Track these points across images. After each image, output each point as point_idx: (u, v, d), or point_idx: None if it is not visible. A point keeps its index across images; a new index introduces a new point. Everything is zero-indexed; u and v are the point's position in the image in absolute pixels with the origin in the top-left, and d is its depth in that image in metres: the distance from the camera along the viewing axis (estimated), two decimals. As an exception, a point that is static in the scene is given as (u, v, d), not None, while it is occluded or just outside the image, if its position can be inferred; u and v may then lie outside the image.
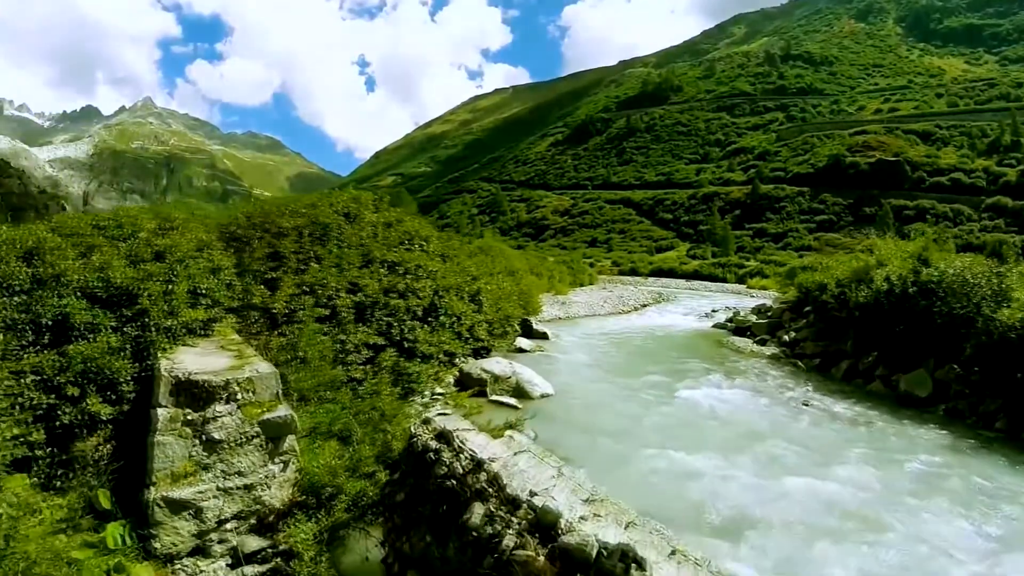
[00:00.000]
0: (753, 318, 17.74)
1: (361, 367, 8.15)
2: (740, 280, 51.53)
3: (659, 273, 60.26)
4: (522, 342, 15.21)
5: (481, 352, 13.53)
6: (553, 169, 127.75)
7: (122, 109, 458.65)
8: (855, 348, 12.61)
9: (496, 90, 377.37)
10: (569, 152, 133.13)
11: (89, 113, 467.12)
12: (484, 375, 10.62)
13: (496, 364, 11.07)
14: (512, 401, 9.86)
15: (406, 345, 9.45)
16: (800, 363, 13.44)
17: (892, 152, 78.60)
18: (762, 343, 15.76)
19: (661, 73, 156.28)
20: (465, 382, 10.74)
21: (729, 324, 18.92)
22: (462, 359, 11.79)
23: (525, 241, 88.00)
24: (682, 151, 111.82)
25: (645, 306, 28.31)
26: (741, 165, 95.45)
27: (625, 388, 11.08)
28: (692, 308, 27.48)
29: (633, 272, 61.11)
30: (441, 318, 10.82)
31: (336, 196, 11.39)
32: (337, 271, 8.79)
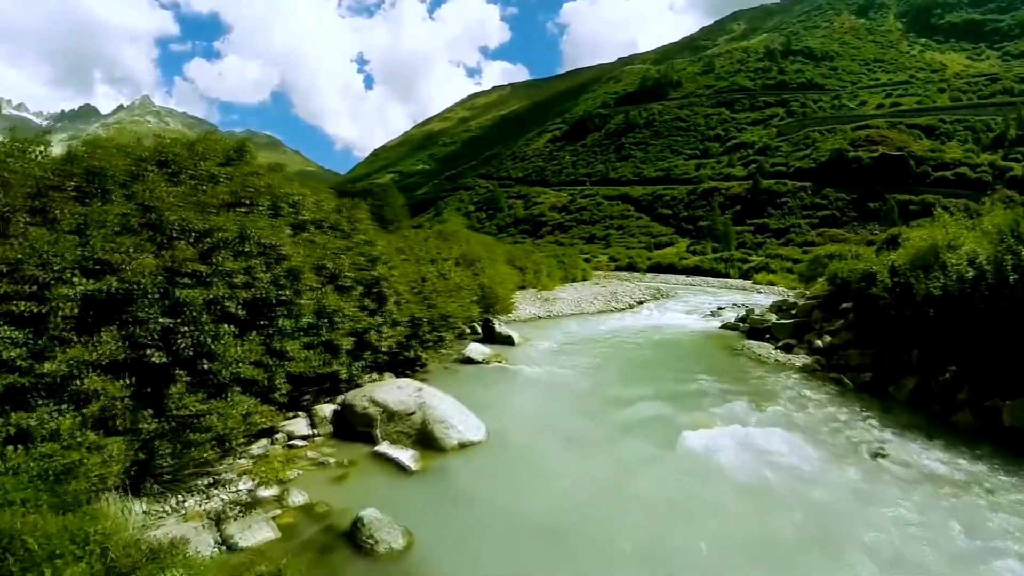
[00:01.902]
0: (773, 318, 14.51)
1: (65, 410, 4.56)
2: (744, 276, 48.48)
3: (658, 269, 57.18)
4: (475, 350, 12.04)
5: (404, 368, 10.36)
6: (551, 166, 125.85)
7: (120, 108, 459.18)
8: (923, 360, 9.42)
9: (494, 87, 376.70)
10: (567, 148, 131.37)
11: (87, 112, 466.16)
12: (373, 410, 7.34)
13: (396, 391, 7.79)
14: (406, 458, 6.56)
15: (204, 366, 5.69)
16: (844, 379, 10.22)
17: (895, 146, 76.25)
18: (787, 349, 12.57)
19: (660, 69, 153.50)
20: (349, 421, 7.49)
21: (742, 325, 15.72)
22: (357, 378, 8.51)
23: (522, 238, 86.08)
24: (681, 147, 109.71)
25: (641, 303, 25.08)
26: (741, 160, 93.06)
27: (601, 429, 7.79)
28: (695, 305, 24.27)
29: (631, 268, 58.08)
30: (281, 321, 6.72)
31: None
32: (76, 241, 5.10)
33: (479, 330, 14.89)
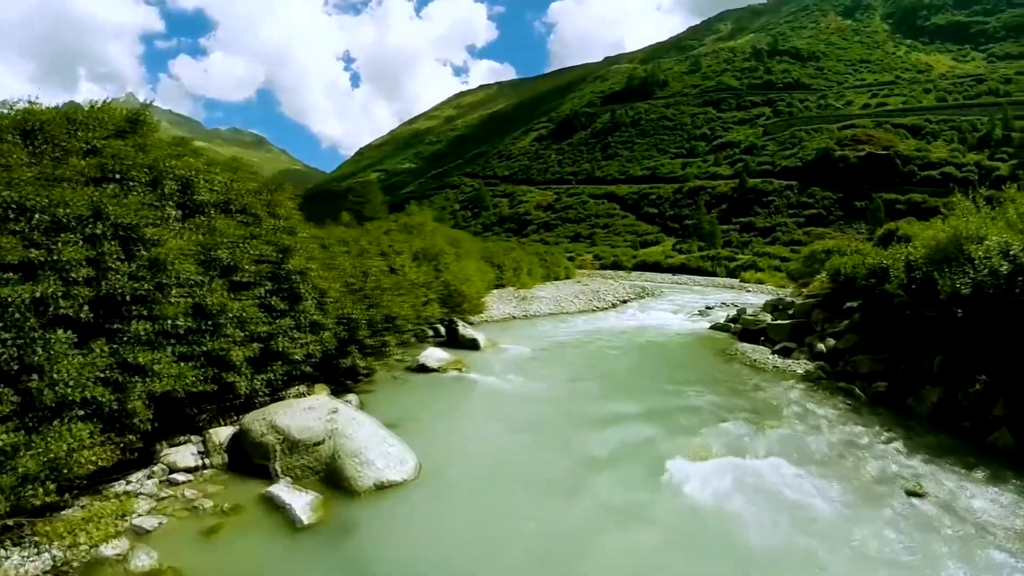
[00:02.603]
0: (767, 318, 13.09)
1: None
2: (731, 274, 47.42)
3: (643, 267, 56.00)
4: (431, 356, 10.50)
5: (346, 378, 8.84)
6: (537, 164, 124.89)
7: None
8: (947, 368, 8.02)
9: (481, 86, 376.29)
10: (553, 147, 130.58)
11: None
12: (271, 437, 5.80)
13: (302, 414, 6.21)
14: (300, 505, 4.90)
15: (33, 383, 4.26)
16: (855, 389, 8.81)
17: (882, 146, 76.28)
18: (785, 354, 11.16)
19: (647, 68, 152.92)
20: (246, 453, 5.93)
21: (733, 326, 14.31)
22: (259, 394, 7.00)
23: (507, 237, 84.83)
24: (667, 145, 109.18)
25: (625, 302, 23.66)
26: (728, 159, 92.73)
27: (568, 461, 6.22)
28: (681, 304, 22.90)
29: (616, 266, 56.83)
30: (136, 324, 5.13)
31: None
32: None
33: (443, 332, 13.36)
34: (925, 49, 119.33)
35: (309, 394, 9.05)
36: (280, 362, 7.24)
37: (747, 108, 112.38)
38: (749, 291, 32.98)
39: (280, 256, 7.37)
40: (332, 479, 5.52)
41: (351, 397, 8.69)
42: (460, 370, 10.27)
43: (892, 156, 72.66)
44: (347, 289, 9.13)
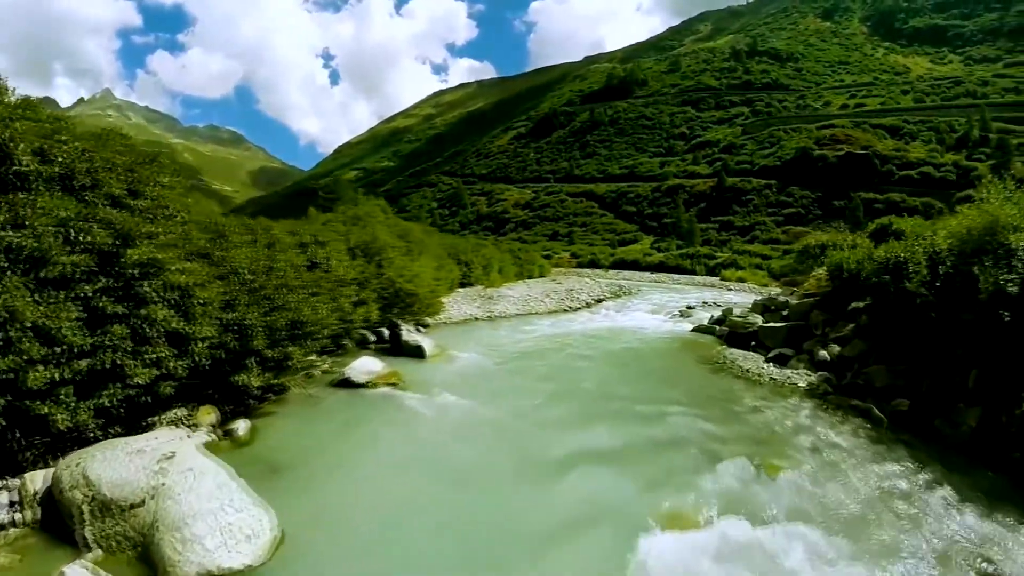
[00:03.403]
0: (758, 320, 11.45)
1: None
2: (711, 272, 46.23)
3: (621, 265, 54.65)
4: (359, 369, 8.68)
5: (246, 399, 7.03)
6: (515, 162, 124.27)
7: (80, 101, 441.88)
8: (986, 383, 6.44)
9: (461, 85, 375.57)
10: (532, 145, 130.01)
11: (46, 105, 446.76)
12: (79, 494, 3.98)
13: (126, 461, 4.40)
14: None
15: None
16: (873, 408, 7.18)
17: (860, 146, 76.59)
18: (781, 362, 9.53)
19: (626, 68, 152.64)
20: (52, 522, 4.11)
21: (719, 328, 12.68)
22: (86, 426, 5.22)
23: (485, 235, 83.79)
24: (646, 144, 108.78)
25: (600, 301, 21.98)
26: (706, 158, 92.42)
27: (502, 531, 4.43)
28: (661, 304, 21.29)
29: (593, 264, 55.44)
30: None
31: None
32: None
33: (387, 336, 11.50)
34: (903, 51, 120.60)
35: (190, 419, 7.20)
36: (117, 386, 5.34)
37: (726, 108, 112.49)
38: (731, 289, 31.58)
39: (117, 244, 5.45)
40: (149, 560, 3.70)
41: (239, 424, 6.82)
42: (394, 385, 8.44)
43: (871, 156, 72.99)
44: (243, 288, 7.24)
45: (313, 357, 10.05)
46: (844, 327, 9.32)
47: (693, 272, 48.02)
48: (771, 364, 9.42)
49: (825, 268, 10.91)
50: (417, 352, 10.18)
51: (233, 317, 6.97)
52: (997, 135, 67.93)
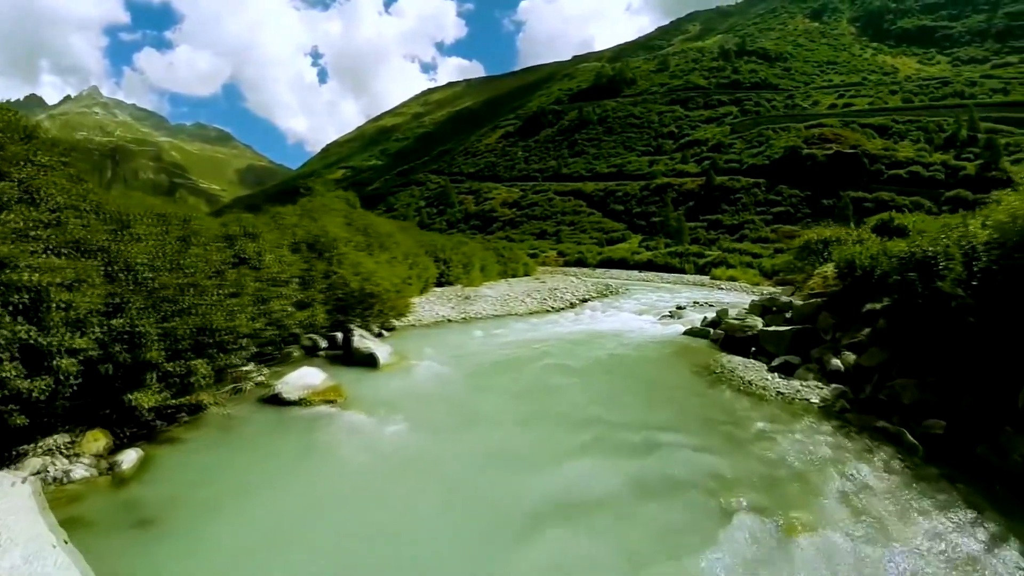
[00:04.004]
0: (757, 322, 10.20)
1: None
2: (701, 271, 45.17)
3: (609, 264, 53.50)
4: (294, 383, 7.34)
5: (151, 422, 5.70)
6: (503, 161, 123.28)
7: (67, 99, 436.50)
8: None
9: (449, 83, 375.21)
10: (520, 144, 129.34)
11: (33, 103, 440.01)
12: None
13: None
14: None
15: None
16: (904, 432, 5.94)
17: (849, 145, 76.36)
18: (787, 371, 8.30)
19: (615, 66, 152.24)
20: None
21: (713, 331, 11.42)
22: None
23: (473, 233, 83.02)
24: (635, 143, 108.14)
25: (585, 301, 20.69)
26: (695, 157, 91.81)
27: None
28: (649, 304, 20.06)
29: (580, 263, 54.22)
30: None
31: None
32: None
33: (340, 342, 10.14)
34: (891, 52, 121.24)
35: (72, 447, 5.83)
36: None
37: (715, 107, 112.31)
38: (722, 288, 30.49)
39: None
40: None
41: (125, 455, 5.45)
42: (333, 403, 7.08)
43: (859, 155, 72.85)
44: (138, 289, 5.89)
45: (250, 367, 8.71)
46: (858, 332, 8.11)
47: (682, 271, 46.95)
48: (776, 374, 8.16)
49: (833, 265, 9.73)
50: (369, 361, 8.83)
51: (121, 324, 5.62)
52: (985, 135, 67.76)
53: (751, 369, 8.45)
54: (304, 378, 7.52)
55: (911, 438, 5.85)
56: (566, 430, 6.12)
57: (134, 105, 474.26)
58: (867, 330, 8.05)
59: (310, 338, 10.43)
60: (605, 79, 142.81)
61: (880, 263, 8.61)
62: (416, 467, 5.42)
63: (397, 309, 12.30)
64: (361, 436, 6.12)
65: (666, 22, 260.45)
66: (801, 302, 9.65)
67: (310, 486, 5.06)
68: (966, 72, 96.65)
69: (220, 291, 6.86)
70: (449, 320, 14.18)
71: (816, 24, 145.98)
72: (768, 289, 30.22)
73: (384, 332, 11.99)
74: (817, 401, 7.00)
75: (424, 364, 8.80)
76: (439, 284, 22.43)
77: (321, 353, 10.16)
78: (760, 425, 6.16)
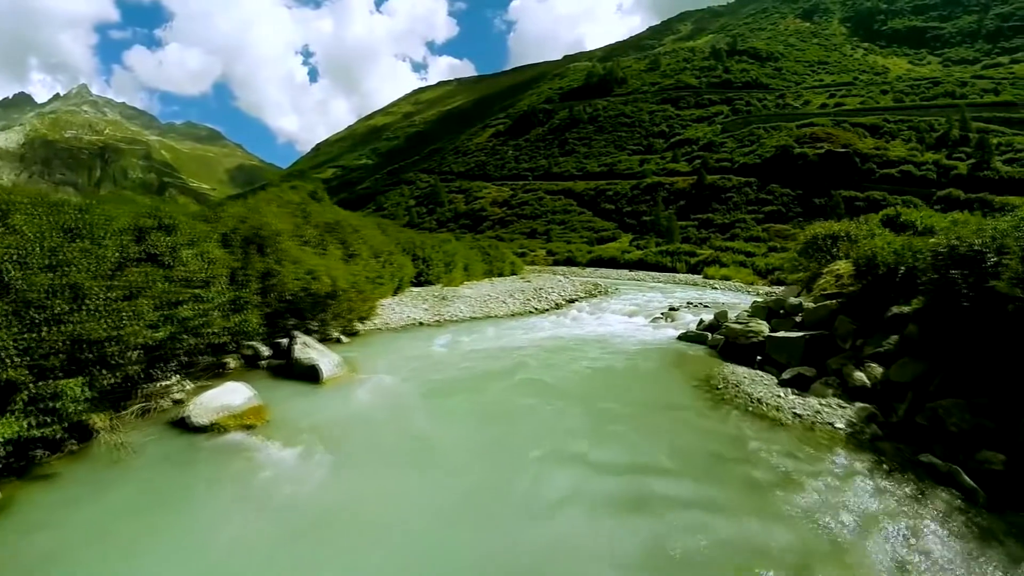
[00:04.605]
0: (763, 327, 8.94)
1: None
2: (693, 269, 44.13)
3: (599, 263, 52.42)
4: (209, 403, 6.08)
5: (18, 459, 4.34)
6: (493, 160, 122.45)
7: (56, 97, 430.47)
8: None
9: (440, 82, 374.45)
10: (510, 143, 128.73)
11: (22, 101, 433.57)
12: None
13: None
14: None
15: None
16: (960, 473, 4.70)
17: (840, 144, 76.00)
18: (801, 386, 7.05)
19: (606, 66, 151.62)
20: None
21: (711, 335, 10.18)
22: None
23: (462, 232, 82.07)
24: (625, 142, 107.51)
25: (572, 301, 19.43)
26: (686, 156, 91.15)
27: None
28: (640, 304, 18.84)
29: (570, 262, 53.12)
30: None
31: None
32: None
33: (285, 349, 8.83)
34: (882, 52, 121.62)
35: None
36: None
37: (706, 106, 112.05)
38: (716, 288, 29.38)
39: None
40: None
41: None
42: (253, 428, 5.78)
43: (851, 154, 72.51)
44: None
45: (172, 381, 7.40)
46: (884, 340, 6.90)
47: (674, 270, 45.89)
48: (788, 390, 6.91)
49: (850, 262, 8.54)
50: (310, 374, 7.51)
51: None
52: (977, 134, 67.47)
53: (759, 383, 7.20)
54: (222, 397, 6.21)
55: (967, 479, 4.63)
56: (534, 475, 4.80)
57: (124, 104, 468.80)
58: (894, 337, 6.85)
59: (250, 346, 9.11)
60: (596, 78, 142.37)
61: (905, 259, 7.43)
62: (334, 522, 4.13)
63: (359, 311, 10.99)
64: (275, 476, 4.82)
65: (657, 22, 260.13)
66: (813, 304, 8.44)
67: (191, 548, 3.77)
68: (957, 72, 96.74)
69: (110, 294, 5.55)
70: (421, 323, 12.87)
71: (807, 24, 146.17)
72: (764, 288, 29.16)
73: (343, 338, 10.68)
74: (843, 426, 5.75)
75: (375, 378, 7.48)
76: (418, 284, 21.14)
77: (263, 363, 8.83)
78: (779, 463, 4.90)
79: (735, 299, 22.03)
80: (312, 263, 9.07)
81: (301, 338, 8.37)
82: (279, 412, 6.18)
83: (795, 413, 6.09)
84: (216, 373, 8.58)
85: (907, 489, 4.50)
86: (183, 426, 5.77)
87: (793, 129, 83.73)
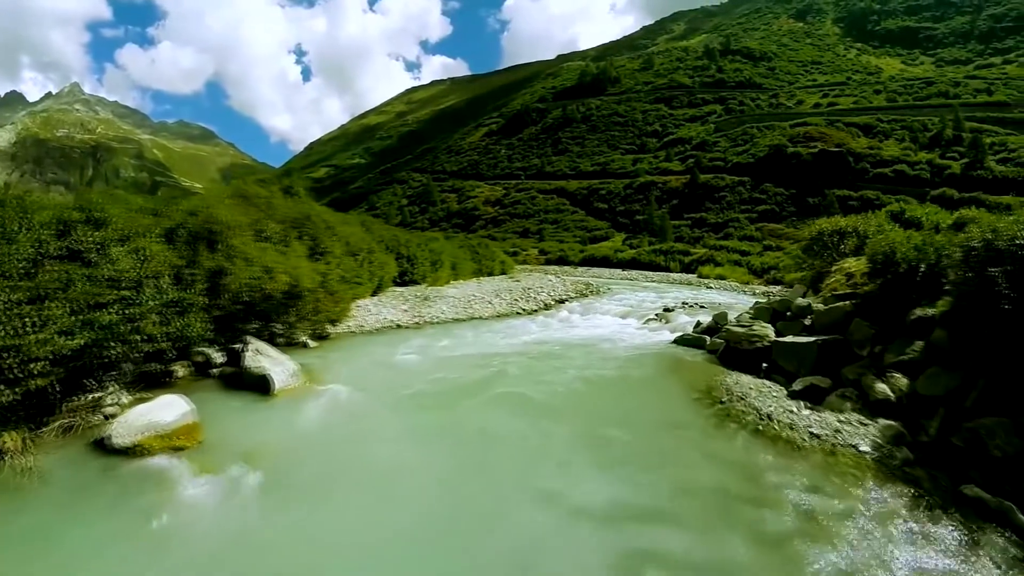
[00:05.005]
0: (768, 331, 8.11)
1: None
2: (687, 269, 43.48)
3: (591, 262, 51.77)
4: (134, 422, 5.25)
5: None
6: (486, 159, 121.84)
7: (48, 95, 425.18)
8: None
9: (433, 82, 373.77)
10: (503, 142, 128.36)
11: (13, 99, 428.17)
12: None
13: None
14: None
15: None
16: (1012, 509, 3.92)
17: (834, 143, 75.84)
18: (814, 398, 6.24)
19: (599, 65, 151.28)
20: None
21: (709, 339, 9.37)
22: None
23: (455, 232, 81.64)
24: (619, 141, 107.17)
25: (562, 302, 18.62)
26: (679, 155, 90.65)
27: None
28: (632, 304, 18.06)
29: (562, 261, 52.34)
30: None
31: None
32: None
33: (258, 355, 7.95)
34: (875, 52, 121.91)
35: None
36: None
37: (699, 105, 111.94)
38: (711, 287, 28.67)
39: None
40: None
41: None
42: (182, 451, 4.93)
43: (844, 153, 72.42)
44: None
45: (105, 393, 6.54)
46: (908, 346, 6.12)
47: (667, 269, 45.20)
48: (801, 403, 6.10)
49: (862, 259, 7.77)
50: (261, 385, 6.65)
51: None
52: (970, 134, 67.31)
53: (767, 395, 6.38)
54: (152, 413, 5.34)
55: (1019, 513, 3.85)
56: (508, 522, 3.97)
57: (116, 102, 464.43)
58: (919, 344, 6.07)
59: (201, 352, 8.23)
60: (589, 78, 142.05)
61: (928, 256, 6.67)
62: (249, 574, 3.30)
63: (329, 313, 10.13)
64: (191, 512, 3.98)
65: (651, 22, 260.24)
66: (824, 305, 7.64)
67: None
68: (950, 73, 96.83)
69: (13, 296, 4.70)
70: (398, 325, 12.02)
71: (800, 24, 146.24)
72: (760, 288, 28.47)
73: (310, 342, 9.82)
74: (869, 449, 4.94)
75: (333, 390, 6.59)
76: (402, 283, 20.28)
77: (215, 372, 7.95)
78: (802, 501, 4.07)
79: (732, 299, 21.29)
80: (269, 260, 8.18)
81: (254, 344, 7.50)
82: (216, 431, 5.32)
83: (812, 433, 5.28)
84: (163, 383, 7.74)
85: (955, 534, 3.71)
86: (102, 447, 4.92)
87: (786, 128, 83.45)
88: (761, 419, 5.69)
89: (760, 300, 11.22)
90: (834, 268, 8.90)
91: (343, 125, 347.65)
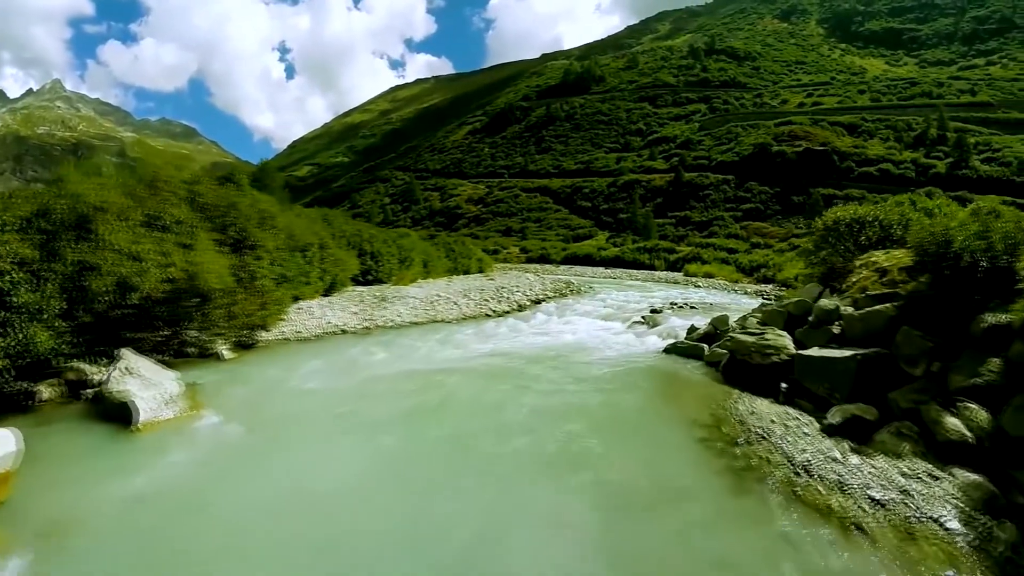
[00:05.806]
0: (786, 341, 6.45)
1: None
2: (672, 267, 42.17)
3: (574, 260, 50.37)
4: None
5: None
6: (469, 158, 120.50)
7: (29, 92, 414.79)
8: None
9: (417, 80, 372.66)
10: (487, 141, 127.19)
11: None
12: None
13: None
14: None
15: None
16: None
17: (819, 142, 75.83)
18: (856, 436, 4.63)
19: (584, 64, 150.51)
20: None
21: (708, 348, 7.76)
22: None
23: (437, 230, 80.00)
24: (602, 140, 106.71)
25: (539, 302, 16.95)
26: (663, 153, 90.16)
27: None
28: (616, 305, 16.46)
29: (544, 260, 50.77)
30: None
31: None
32: None
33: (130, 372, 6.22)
34: (859, 53, 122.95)
35: None
36: None
37: (683, 104, 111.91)
38: (700, 286, 27.25)
39: None
40: None
41: None
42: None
43: (829, 152, 72.52)
44: None
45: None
46: (980, 364, 4.56)
47: (652, 267, 43.86)
48: (843, 444, 4.50)
49: (906, 250, 6.25)
50: (120, 413, 4.95)
51: None
52: (955, 134, 67.34)
53: (795, 432, 4.73)
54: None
55: None
56: None
57: (98, 99, 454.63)
58: (995, 362, 4.51)
59: (73, 368, 6.47)
60: (573, 76, 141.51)
61: (995, 247, 5.13)
62: None
63: (252, 318, 8.39)
64: None
65: (635, 22, 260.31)
66: (855, 309, 6.06)
67: None
68: (933, 73, 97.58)
69: None
70: (343, 330, 10.30)
71: (785, 25, 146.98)
72: (751, 287, 27.10)
73: (226, 353, 8.06)
74: (958, 526, 3.33)
75: (213, 425, 4.88)
76: (365, 282, 18.53)
77: (89, 392, 6.22)
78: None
79: (724, 299, 19.85)
80: (144, 251, 6.40)
81: (127, 359, 5.76)
82: (37, 483, 3.61)
83: (872, 498, 3.63)
84: (25, 406, 5.98)
85: None
86: None
87: (771, 127, 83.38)
88: (796, 473, 4.03)
89: (762, 301, 9.67)
90: (858, 263, 7.36)
91: (326, 123, 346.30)
